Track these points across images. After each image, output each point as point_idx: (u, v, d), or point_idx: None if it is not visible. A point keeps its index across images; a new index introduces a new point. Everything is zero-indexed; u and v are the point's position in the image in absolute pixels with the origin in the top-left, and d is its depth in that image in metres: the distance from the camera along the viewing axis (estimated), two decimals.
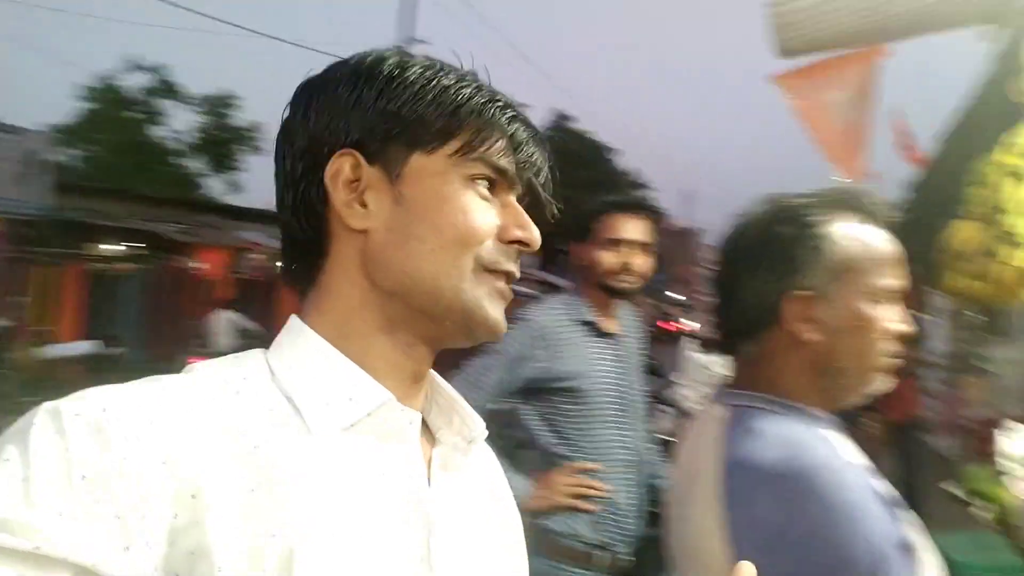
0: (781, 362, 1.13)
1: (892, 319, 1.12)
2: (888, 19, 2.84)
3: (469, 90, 0.72)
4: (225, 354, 0.71)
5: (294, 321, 0.73)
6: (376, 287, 0.71)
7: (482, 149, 0.71)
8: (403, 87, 0.71)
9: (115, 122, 21.16)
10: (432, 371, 0.78)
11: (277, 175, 0.74)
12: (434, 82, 0.72)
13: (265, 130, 23.28)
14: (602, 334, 2.33)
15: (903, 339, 1.15)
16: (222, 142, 23.08)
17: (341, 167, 0.70)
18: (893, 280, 1.13)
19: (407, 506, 0.68)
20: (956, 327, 6.89)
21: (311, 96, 0.73)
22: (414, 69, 0.72)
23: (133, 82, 22.13)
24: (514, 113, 0.74)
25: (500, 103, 0.73)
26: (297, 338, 0.71)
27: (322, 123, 0.71)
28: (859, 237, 1.12)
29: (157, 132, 22.94)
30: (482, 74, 0.76)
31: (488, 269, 0.71)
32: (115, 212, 13.73)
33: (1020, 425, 2.42)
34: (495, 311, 0.72)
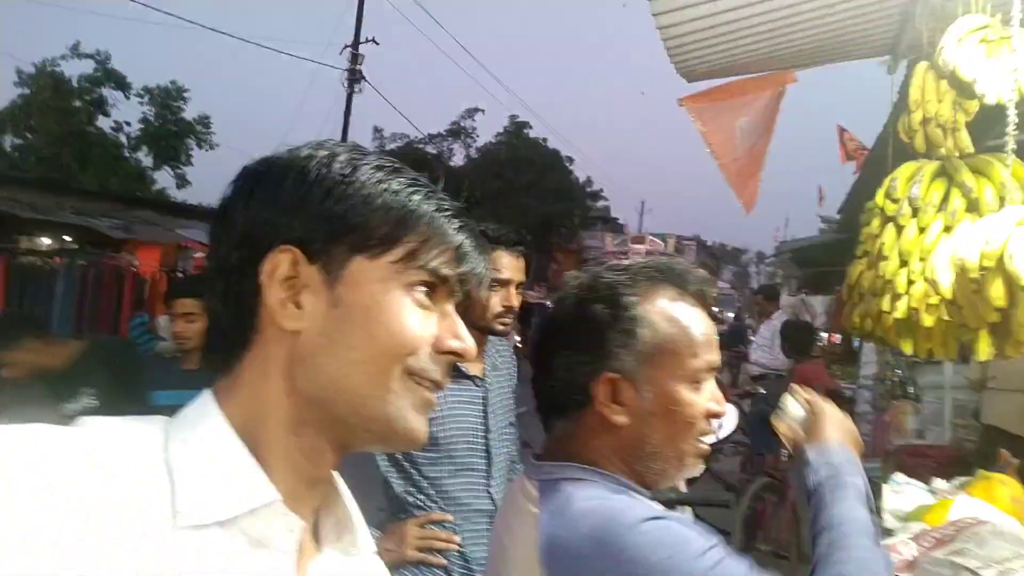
0: (595, 442, 1.12)
1: (706, 399, 1.12)
2: (788, 47, 2.77)
3: (419, 196, 0.71)
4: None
5: (205, 396, 0.70)
6: (296, 390, 0.69)
7: (427, 258, 0.70)
8: (352, 189, 0.70)
9: (54, 110, 20.44)
10: (337, 479, 0.76)
11: (210, 257, 0.73)
12: (384, 185, 0.71)
13: (213, 125, 22.79)
14: (463, 376, 2.22)
15: (717, 417, 1.15)
16: (168, 135, 22.53)
17: (279, 264, 0.68)
18: (708, 360, 1.12)
19: None
20: (884, 350, 6.94)
21: (256, 184, 0.71)
22: (365, 170, 0.71)
23: (75, 70, 21.43)
24: (462, 223, 0.73)
25: (448, 212, 0.73)
26: (201, 416, 0.68)
27: (264, 215, 0.69)
28: (674, 318, 1.11)
29: (99, 123, 22.26)
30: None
31: (416, 378, 0.70)
32: (46, 204, 13.22)
33: (908, 480, 2.35)
34: (418, 422, 0.71)
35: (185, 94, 22.75)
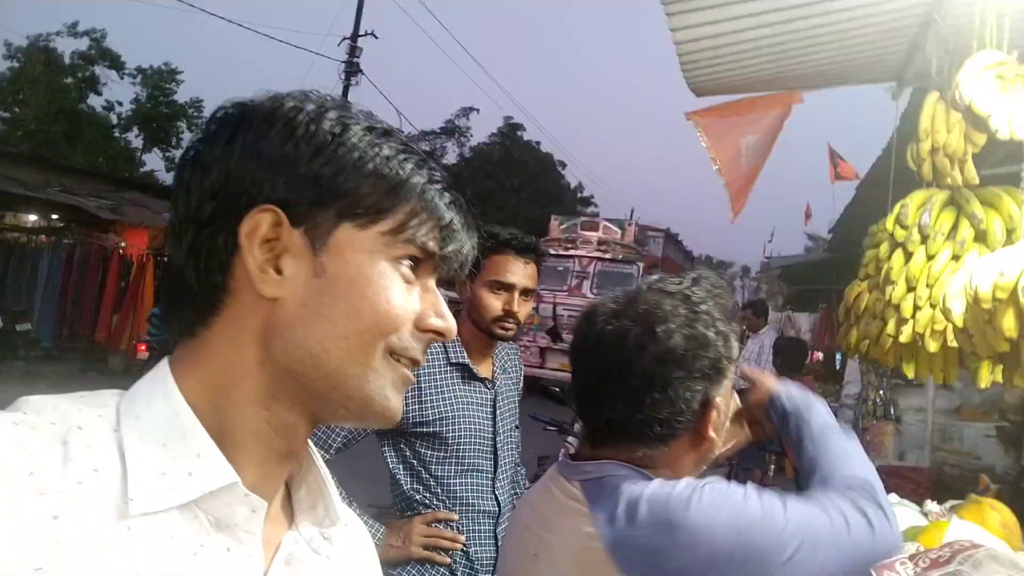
0: (684, 456, 1.17)
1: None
2: (797, 69, 2.81)
3: (411, 164, 0.68)
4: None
5: (161, 369, 0.65)
6: (269, 361, 0.64)
7: (416, 231, 0.67)
8: (343, 151, 0.65)
9: (44, 86, 20.20)
10: (310, 448, 0.73)
11: (176, 203, 0.65)
12: (376, 150, 0.67)
13: (207, 109, 22.59)
14: (475, 378, 2.23)
15: None
16: (160, 117, 22.32)
17: (260, 223, 0.63)
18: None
19: None
20: (869, 370, 7.03)
21: (235, 131, 0.65)
22: (355, 130, 0.67)
23: (69, 47, 21.20)
24: (453, 197, 0.70)
25: (440, 184, 0.69)
26: (156, 391, 0.63)
27: (245, 167, 0.64)
28: (733, 336, 1.19)
29: (91, 102, 22.00)
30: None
31: (397, 356, 0.67)
32: (34, 181, 13.05)
33: (900, 500, 2.40)
34: (396, 400, 0.68)
35: (179, 76, 22.56)
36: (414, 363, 0.69)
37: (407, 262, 0.67)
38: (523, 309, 2.20)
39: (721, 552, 1.00)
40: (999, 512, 2.23)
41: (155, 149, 22.89)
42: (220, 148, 0.65)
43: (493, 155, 28.36)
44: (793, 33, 2.76)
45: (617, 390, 1.14)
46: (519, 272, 2.19)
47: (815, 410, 1.32)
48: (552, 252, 13.38)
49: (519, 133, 29.43)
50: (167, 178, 20.99)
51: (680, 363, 1.12)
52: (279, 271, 0.64)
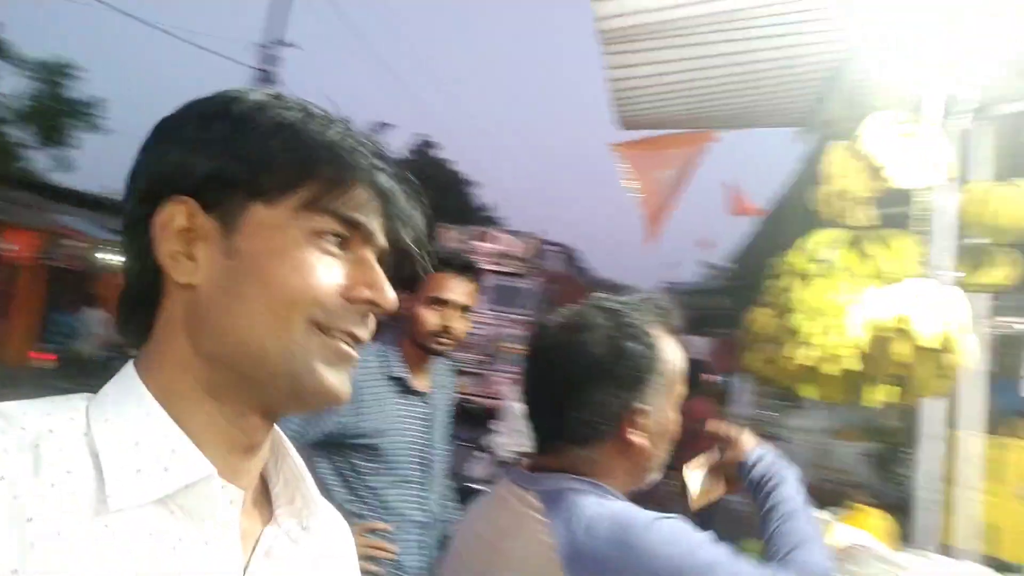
0: (612, 463, 1.23)
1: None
2: (715, 110, 3.05)
3: (330, 134, 0.66)
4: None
5: (127, 370, 0.65)
6: (202, 349, 0.64)
7: (333, 202, 0.65)
8: (253, 129, 0.65)
9: None
10: (284, 441, 0.74)
11: (123, 213, 0.68)
12: (289, 125, 0.65)
13: (105, 108, 21.48)
14: (410, 391, 2.28)
15: None
16: (53, 113, 21.02)
17: (172, 215, 0.64)
18: (684, 385, 1.31)
19: None
20: (758, 392, 7.45)
21: (159, 132, 0.67)
22: (275, 111, 0.66)
23: None
24: (380, 162, 0.68)
25: (364, 150, 0.67)
26: (124, 391, 0.64)
27: (165, 165, 0.65)
28: (675, 353, 1.28)
29: None
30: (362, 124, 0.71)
31: (326, 330, 0.65)
32: None
33: None
34: (332, 376, 0.66)
35: (72, 71, 21.31)
36: (352, 336, 0.67)
37: (331, 237, 0.66)
38: (460, 325, 2.28)
39: None
40: (876, 517, 2.48)
41: (45, 148, 21.53)
42: (147, 152, 0.67)
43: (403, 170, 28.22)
44: (713, 79, 2.99)
45: (547, 396, 1.26)
46: (457, 289, 2.27)
47: (785, 485, 1.37)
48: None
49: (432, 150, 29.48)
50: (62, 180, 19.79)
51: (598, 370, 1.20)
52: (192, 258, 0.65)
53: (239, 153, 0.64)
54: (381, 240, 0.69)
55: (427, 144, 29.77)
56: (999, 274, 2.49)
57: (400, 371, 2.27)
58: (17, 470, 0.54)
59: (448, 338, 2.26)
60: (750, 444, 1.49)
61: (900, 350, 1.81)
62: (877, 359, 1.92)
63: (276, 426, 0.72)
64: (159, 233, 0.64)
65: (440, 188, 27.61)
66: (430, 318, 2.25)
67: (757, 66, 2.91)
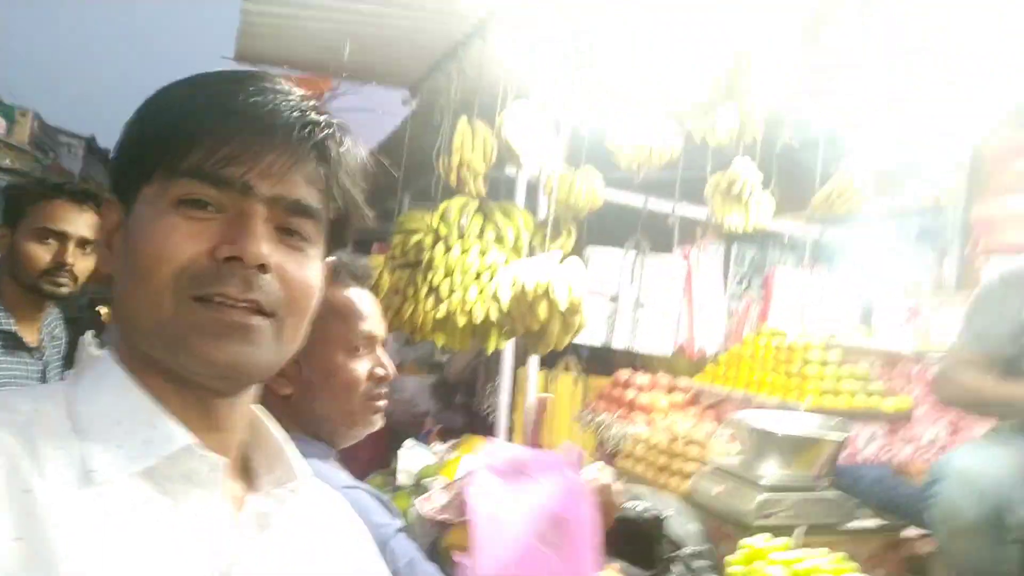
0: (272, 411, 1.25)
1: (367, 366, 1.30)
2: (335, 60, 3.09)
3: (198, 101, 0.66)
4: None
5: (105, 358, 0.67)
6: (123, 333, 0.67)
7: (183, 165, 0.64)
8: (140, 117, 0.68)
9: None
10: (259, 414, 0.75)
11: None
12: (167, 101, 0.68)
13: None
14: (20, 347, 1.95)
15: (381, 380, 1.33)
16: None
17: (107, 214, 0.70)
18: (364, 330, 1.29)
19: (204, 563, 0.62)
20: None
21: None
22: (173, 91, 0.68)
23: None
24: (249, 114, 0.64)
25: (232, 107, 0.64)
26: (102, 376, 0.66)
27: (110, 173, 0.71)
28: (328, 297, 1.29)
29: None
30: None
31: (206, 299, 0.63)
32: None
33: (415, 443, 2.92)
34: (214, 348, 0.63)
35: None
36: (231, 298, 0.63)
37: (193, 200, 0.64)
38: (82, 263, 1.99)
39: None
40: (482, 444, 2.95)
41: None
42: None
43: None
44: (343, 29, 3.02)
45: None
46: (72, 219, 1.99)
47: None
48: None
49: None
50: None
51: None
52: (110, 248, 0.69)
53: (127, 142, 0.68)
54: (268, 190, 0.65)
55: None
56: (568, 242, 3.11)
57: (4, 324, 1.91)
58: (13, 447, 0.57)
59: (63, 277, 1.97)
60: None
61: (542, 311, 2.19)
62: (519, 317, 2.27)
63: (254, 404, 0.74)
64: (97, 234, 0.72)
65: None
66: (40, 253, 1.94)
67: (383, 26, 3.03)
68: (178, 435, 0.63)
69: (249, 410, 0.74)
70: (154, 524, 0.60)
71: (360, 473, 2.93)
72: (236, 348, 0.64)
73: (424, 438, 5.33)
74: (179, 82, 0.68)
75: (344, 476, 1.24)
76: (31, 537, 0.54)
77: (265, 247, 0.64)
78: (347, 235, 0.77)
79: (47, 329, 2.07)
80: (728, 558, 1.89)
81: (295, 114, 0.65)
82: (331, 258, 1.32)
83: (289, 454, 0.74)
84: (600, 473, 1.60)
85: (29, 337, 1.98)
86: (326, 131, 0.67)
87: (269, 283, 0.65)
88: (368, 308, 1.33)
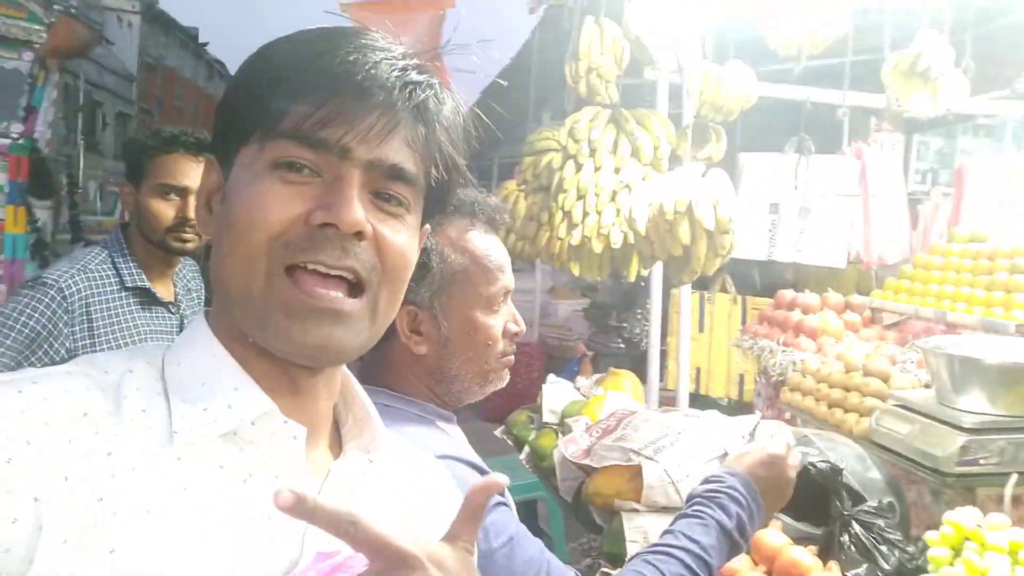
0: (403, 370, 1.17)
1: (503, 321, 1.21)
2: None
3: (296, 61, 0.63)
4: None
5: (198, 321, 0.69)
6: (220, 300, 0.68)
7: (280, 126, 0.62)
8: (240, 77, 0.67)
9: None
10: (350, 380, 0.75)
11: None
12: (266, 61, 0.65)
13: None
14: (156, 302, 1.96)
15: (515, 337, 1.24)
16: None
17: (208, 176, 0.70)
18: (502, 284, 1.19)
19: (281, 527, 0.62)
20: None
21: None
22: (271, 50, 0.66)
23: None
24: (348, 75, 0.62)
25: (330, 68, 0.62)
26: (193, 339, 0.67)
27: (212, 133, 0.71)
28: (466, 248, 1.17)
29: None
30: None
31: (296, 270, 0.62)
32: None
33: (556, 379, 2.78)
34: (300, 330, 0.62)
35: None
36: (326, 266, 0.62)
37: (289, 162, 0.62)
38: None
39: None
40: (628, 379, 2.75)
41: None
42: None
43: None
44: None
45: None
46: (192, 173, 1.94)
47: (698, 525, 1.17)
48: None
49: None
50: None
51: None
52: (210, 211, 0.69)
53: (227, 102, 0.67)
54: (366, 153, 0.63)
55: None
56: (717, 149, 2.76)
57: (139, 281, 1.93)
58: (98, 409, 0.59)
59: (188, 232, 1.96)
60: (734, 463, 1.29)
61: (683, 234, 1.93)
62: (658, 241, 2.02)
63: (345, 368, 0.73)
64: (200, 196, 0.70)
65: None
66: (164, 210, 1.93)
67: None
68: (260, 400, 0.64)
69: (340, 375, 0.73)
70: (233, 487, 0.61)
71: (510, 406, 2.87)
72: (326, 331, 0.63)
73: (576, 364, 5.26)
74: (278, 40, 0.67)
75: (443, 444, 1.11)
76: (112, 498, 0.55)
77: (361, 213, 0.62)
78: (447, 200, 0.74)
79: (182, 283, 2.09)
80: (927, 537, 1.51)
81: (395, 74, 0.63)
82: (461, 197, 1.19)
83: (376, 421, 0.74)
84: (771, 441, 1.34)
85: (163, 291, 2.01)
86: (427, 91, 0.65)
87: (365, 250, 0.64)
88: (505, 258, 1.22)
